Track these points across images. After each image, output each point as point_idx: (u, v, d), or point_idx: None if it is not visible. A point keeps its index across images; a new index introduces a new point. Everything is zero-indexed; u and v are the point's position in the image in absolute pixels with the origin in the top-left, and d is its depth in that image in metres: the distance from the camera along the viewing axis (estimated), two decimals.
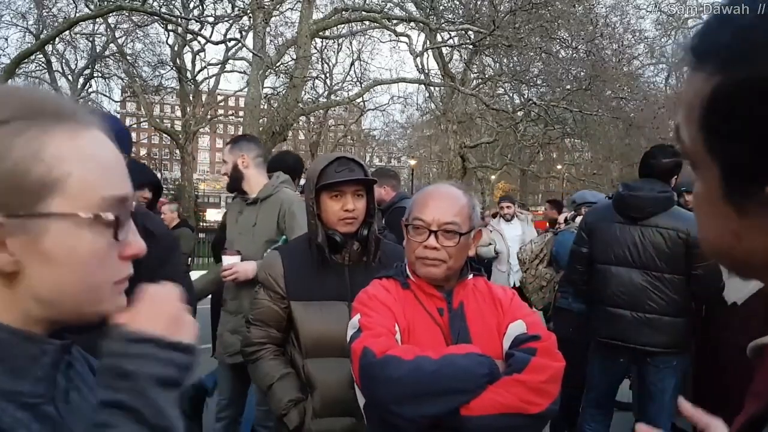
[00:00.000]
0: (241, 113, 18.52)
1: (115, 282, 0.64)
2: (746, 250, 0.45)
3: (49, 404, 0.61)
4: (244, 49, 13.49)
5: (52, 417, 0.61)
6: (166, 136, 24.14)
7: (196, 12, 14.01)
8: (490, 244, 5.66)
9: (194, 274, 3.50)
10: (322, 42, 17.97)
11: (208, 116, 22.04)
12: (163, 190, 3.18)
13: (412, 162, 26.20)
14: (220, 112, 26.47)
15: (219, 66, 20.49)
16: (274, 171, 3.44)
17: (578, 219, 4.28)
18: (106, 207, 0.61)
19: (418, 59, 15.71)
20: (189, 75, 20.73)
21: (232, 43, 15.84)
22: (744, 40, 0.41)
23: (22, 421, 0.57)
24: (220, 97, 24.12)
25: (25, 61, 13.73)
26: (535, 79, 15.21)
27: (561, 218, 5.89)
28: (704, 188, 0.46)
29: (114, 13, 12.54)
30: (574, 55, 14.22)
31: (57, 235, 0.58)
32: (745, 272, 0.48)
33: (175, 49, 19.57)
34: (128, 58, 18.72)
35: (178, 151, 22.04)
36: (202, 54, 20.66)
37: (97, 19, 14.39)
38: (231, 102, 28.29)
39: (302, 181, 3.87)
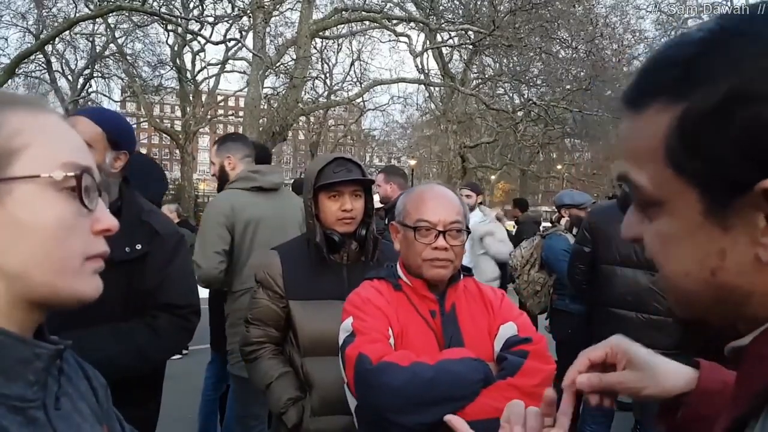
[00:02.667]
0: (241, 113, 18.52)
1: (88, 257, 0.63)
2: (732, 268, 0.46)
3: (39, 409, 0.61)
4: (244, 49, 13.51)
5: (42, 422, 0.60)
6: (166, 136, 24.15)
7: (196, 12, 14.02)
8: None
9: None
10: (322, 42, 17.98)
11: (208, 116, 22.04)
12: (168, 185, 3.18)
13: (412, 162, 26.20)
14: (220, 112, 26.47)
15: (219, 66, 20.50)
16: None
17: (562, 221, 4.28)
18: (66, 170, 0.62)
19: (418, 59, 15.74)
20: (189, 75, 20.73)
21: (232, 43, 15.86)
22: (691, 70, 0.44)
23: (11, 425, 0.57)
24: (220, 97, 24.12)
25: (25, 61, 13.71)
26: (535, 79, 15.23)
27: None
28: (677, 222, 0.47)
29: (114, 13, 12.54)
30: (574, 55, 14.23)
31: (21, 198, 0.59)
32: (724, 302, 0.48)
33: (175, 49, 19.58)
34: (128, 58, 18.74)
35: (178, 151, 22.06)
36: (202, 54, 20.70)
37: (97, 19, 14.40)
38: (231, 102, 28.30)
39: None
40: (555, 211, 4.77)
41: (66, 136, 0.65)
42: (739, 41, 0.44)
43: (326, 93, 20.36)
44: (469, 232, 1.48)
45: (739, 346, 0.49)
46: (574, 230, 4.02)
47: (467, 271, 1.58)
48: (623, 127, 0.50)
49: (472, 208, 5.58)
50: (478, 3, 14.13)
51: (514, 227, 8.85)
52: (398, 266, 1.52)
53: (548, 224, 7.90)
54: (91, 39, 18.83)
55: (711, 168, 0.44)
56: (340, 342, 1.40)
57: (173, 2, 14.68)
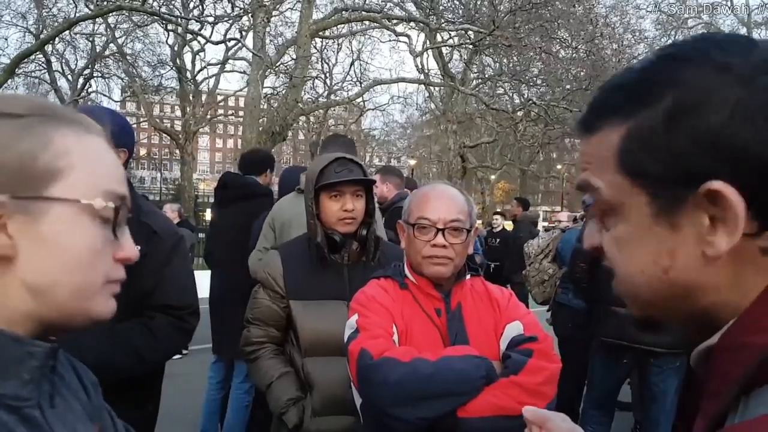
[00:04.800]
0: (241, 113, 18.53)
1: (108, 281, 0.65)
2: (682, 265, 0.49)
3: (34, 408, 0.61)
4: (244, 49, 13.50)
5: (37, 421, 0.60)
6: (166, 136, 24.15)
7: (196, 12, 14.01)
8: None
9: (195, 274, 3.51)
10: (322, 42, 17.97)
11: (208, 116, 22.05)
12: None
13: (412, 162, 26.21)
14: (220, 112, 26.48)
15: (219, 66, 20.50)
16: (248, 171, 3.49)
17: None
18: (106, 199, 0.63)
19: (418, 59, 15.74)
20: (189, 75, 20.73)
21: (232, 43, 15.87)
22: (635, 91, 0.51)
23: (7, 424, 0.56)
24: (220, 97, 24.12)
25: (25, 61, 13.74)
26: (535, 79, 15.21)
27: (563, 217, 5.90)
28: (631, 225, 0.52)
29: (114, 13, 12.55)
30: (574, 55, 14.23)
31: (56, 219, 0.60)
32: (677, 299, 0.51)
33: (175, 49, 19.58)
34: (128, 58, 18.74)
35: (178, 151, 22.04)
36: (202, 54, 20.71)
37: (97, 19, 14.40)
38: (231, 102, 28.30)
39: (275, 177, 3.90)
40: (554, 211, 4.81)
41: (108, 163, 0.66)
42: (675, 64, 0.49)
43: (326, 93, 20.35)
44: (470, 231, 1.48)
45: (708, 346, 0.51)
46: None
47: (475, 271, 1.58)
48: (581, 146, 0.57)
49: None
50: (478, 3, 14.14)
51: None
52: (405, 265, 1.53)
53: (545, 224, 7.92)
54: (91, 39, 18.83)
55: (658, 174, 0.49)
56: (345, 338, 1.41)
57: (173, 2, 14.68)
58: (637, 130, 0.49)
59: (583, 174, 0.55)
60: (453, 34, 14.88)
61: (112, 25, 16.79)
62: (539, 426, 0.78)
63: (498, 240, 7.80)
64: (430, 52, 15.97)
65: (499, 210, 10.94)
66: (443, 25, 13.50)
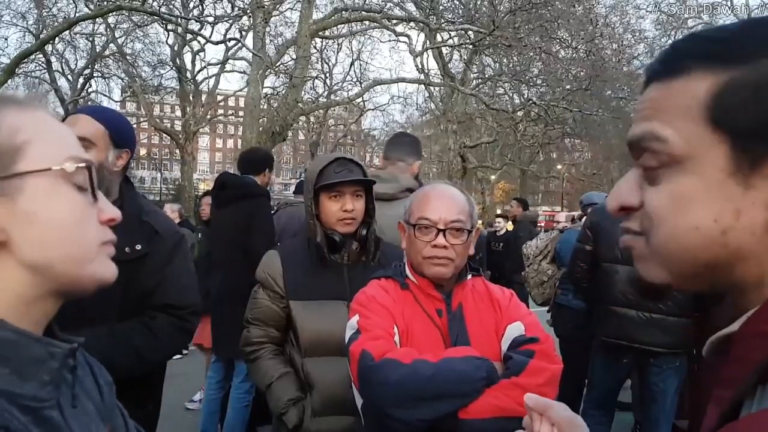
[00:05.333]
0: (241, 113, 18.53)
1: (102, 243, 0.66)
2: (744, 228, 0.48)
3: (53, 409, 0.60)
4: (244, 49, 13.49)
5: (55, 422, 0.60)
6: (166, 136, 24.13)
7: (195, 12, 14.01)
8: None
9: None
10: (322, 42, 17.98)
11: (208, 116, 22.02)
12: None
13: None
14: (220, 112, 26.45)
15: (219, 66, 20.48)
16: (246, 170, 3.47)
17: (584, 220, 4.31)
18: (77, 162, 0.63)
19: (418, 59, 15.74)
20: (189, 75, 20.71)
21: (232, 43, 15.85)
22: (738, 42, 0.50)
23: (22, 425, 0.56)
24: (220, 97, 24.11)
25: (25, 60, 13.72)
26: (535, 79, 15.21)
27: (562, 217, 5.90)
28: (698, 178, 0.50)
29: (114, 13, 12.55)
30: (574, 55, 14.23)
31: (34, 192, 0.60)
32: (717, 265, 0.50)
33: (175, 49, 19.56)
34: (128, 58, 18.72)
35: (178, 151, 22.02)
36: (201, 54, 20.68)
37: (97, 19, 14.39)
38: (231, 102, 28.28)
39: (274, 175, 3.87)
40: (553, 212, 4.82)
41: (63, 132, 0.66)
42: None
43: (326, 93, 20.35)
44: (471, 231, 1.48)
45: (726, 333, 0.50)
46: None
47: (476, 271, 1.58)
48: (649, 93, 0.54)
49: None
50: (478, 3, 14.13)
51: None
52: (406, 265, 1.52)
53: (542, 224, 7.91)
54: (91, 39, 18.81)
55: (748, 127, 0.48)
56: (346, 339, 1.40)
57: (173, 2, 14.68)
58: (736, 82, 0.48)
59: (644, 123, 0.53)
60: (453, 34, 14.89)
61: (112, 25, 16.77)
62: (540, 414, 0.78)
63: (501, 244, 7.63)
64: (430, 52, 15.97)
65: (500, 212, 10.92)
66: (443, 25, 13.50)
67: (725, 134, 0.48)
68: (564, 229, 4.32)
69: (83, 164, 0.63)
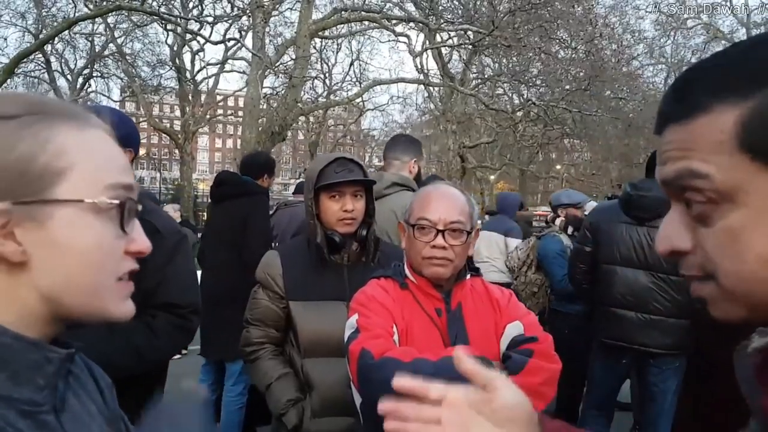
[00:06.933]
0: (240, 113, 18.51)
1: (119, 277, 0.64)
2: None
3: (49, 413, 0.60)
4: (244, 49, 13.49)
5: (52, 426, 0.60)
6: (165, 135, 24.10)
7: (195, 12, 14.03)
8: None
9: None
10: (321, 42, 17.98)
11: (207, 116, 22.02)
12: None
13: None
14: (220, 112, 26.45)
15: (218, 66, 20.49)
16: (245, 172, 3.45)
17: (557, 221, 4.28)
18: (110, 194, 0.62)
19: (418, 59, 15.75)
20: (188, 75, 20.69)
21: (232, 43, 15.87)
22: (752, 71, 0.49)
23: (21, 430, 0.56)
24: (219, 97, 24.10)
25: (24, 60, 13.69)
26: (534, 79, 15.21)
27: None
28: (751, 209, 0.49)
29: (113, 13, 12.54)
30: (574, 55, 14.23)
31: (63, 221, 0.59)
32: None
33: (174, 48, 19.56)
34: (127, 57, 18.70)
35: (177, 151, 22.02)
36: (201, 54, 20.69)
37: (97, 19, 14.38)
38: (230, 102, 28.27)
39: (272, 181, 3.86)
40: (547, 213, 4.76)
41: (110, 154, 0.64)
42: None
43: (326, 93, 20.35)
44: (470, 232, 1.48)
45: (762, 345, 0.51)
46: (569, 230, 4.04)
47: (475, 271, 1.58)
48: (672, 135, 0.53)
49: None
50: (478, 3, 14.12)
51: None
52: (405, 265, 1.53)
53: (542, 224, 7.90)
54: (90, 39, 18.80)
55: None
56: (345, 338, 1.40)
57: (173, 2, 14.67)
58: (761, 108, 0.48)
59: (678, 163, 0.51)
60: (452, 34, 14.87)
61: (112, 25, 16.76)
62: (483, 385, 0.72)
63: None
64: (429, 52, 15.97)
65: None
66: (442, 25, 13.49)
67: (763, 159, 0.48)
68: (540, 235, 4.27)
69: (117, 200, 0.62)
